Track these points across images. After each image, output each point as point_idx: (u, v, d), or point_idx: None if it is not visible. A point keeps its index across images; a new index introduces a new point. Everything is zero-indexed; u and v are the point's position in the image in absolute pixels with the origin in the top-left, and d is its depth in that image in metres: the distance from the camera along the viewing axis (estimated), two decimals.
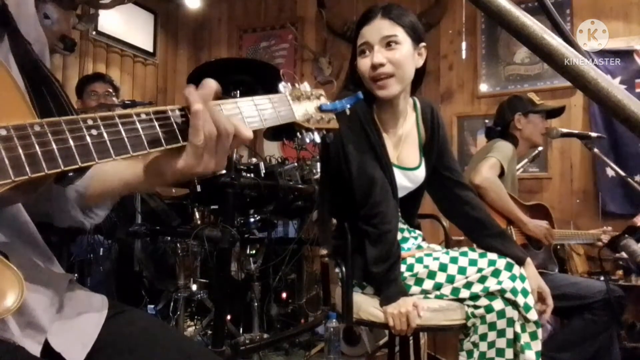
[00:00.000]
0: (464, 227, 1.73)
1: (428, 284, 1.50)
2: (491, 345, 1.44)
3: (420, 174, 1.66)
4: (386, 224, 1.49)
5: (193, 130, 0.69)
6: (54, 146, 0.57)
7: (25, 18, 0.73)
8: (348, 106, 0.93)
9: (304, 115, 0.87)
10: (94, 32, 4.09)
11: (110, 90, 3.00)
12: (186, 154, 0.70)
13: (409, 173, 1.64)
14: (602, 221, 3.08)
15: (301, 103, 0.87)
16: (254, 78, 2.53)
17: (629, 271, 3.07)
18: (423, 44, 1.58)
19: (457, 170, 1.73)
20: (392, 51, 1.49)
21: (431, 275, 1.50)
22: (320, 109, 0.90)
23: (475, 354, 1.45)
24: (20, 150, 0.55)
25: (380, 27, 1.50)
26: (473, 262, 1.49)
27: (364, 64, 1.51)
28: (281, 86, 0.87)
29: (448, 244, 2.04)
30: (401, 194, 1.64)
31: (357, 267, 1.55)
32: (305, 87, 0.90)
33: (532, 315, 1.43)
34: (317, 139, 0.89)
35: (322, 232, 1.67)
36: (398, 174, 1.60)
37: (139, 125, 0.65)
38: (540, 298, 1.56)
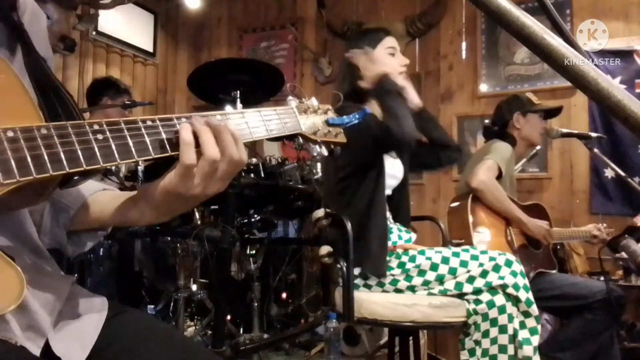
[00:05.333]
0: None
1: (430, 275, 1.57)
2: (494, 341, 1.47)
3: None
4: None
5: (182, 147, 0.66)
6: (60, 148, 0.58)
7: (37, 35, 0.74)
8: (355, 120, 0.93)
9: (311, 128, 0.87)
10: (94, 32, 4.09)
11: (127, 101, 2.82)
12: (172, 174, 0.67)
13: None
14: (602, 221, 3.06)
15: (308, 116, 0.88)
16: (254, 78, 2.53)
17: (629, 271, 3.06)
18: None
19: None
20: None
21: (433, 267, 1.57)
22: (327, 122, 0.90)
23: (478, 352, 1.48)
24: (26, 152, 0.55)
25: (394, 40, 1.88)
26: (474, 257, 1.57)
27: (394, 62, 1.84)
28: (288, 100, 0.88)
29: (446, 245, 2.05)
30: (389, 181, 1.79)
31: (359, 253, 1.60)
32: (313, 101, 0.91)
33: (534, 310, 1.52)
34: (325, 152, 0.89)
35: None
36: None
37: (144, 131, 0.65)
38: None
